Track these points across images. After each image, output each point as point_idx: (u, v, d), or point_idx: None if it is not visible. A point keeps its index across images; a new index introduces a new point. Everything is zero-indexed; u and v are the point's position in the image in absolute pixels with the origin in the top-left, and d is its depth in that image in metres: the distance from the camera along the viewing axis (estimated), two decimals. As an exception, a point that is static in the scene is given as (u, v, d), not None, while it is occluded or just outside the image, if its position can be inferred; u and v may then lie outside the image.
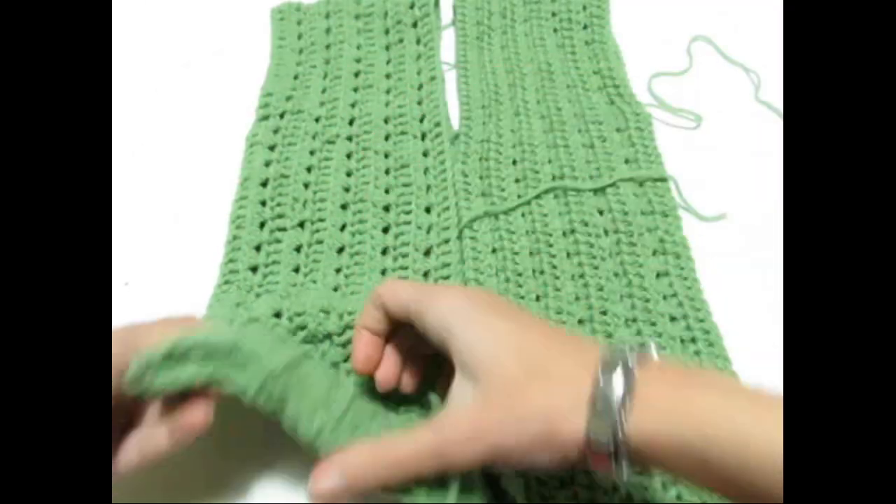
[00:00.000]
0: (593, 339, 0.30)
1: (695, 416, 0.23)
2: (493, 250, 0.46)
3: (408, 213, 0.49)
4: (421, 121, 0.55)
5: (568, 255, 0.46)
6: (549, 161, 0.52)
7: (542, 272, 0.45)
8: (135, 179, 0.51)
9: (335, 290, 0.44)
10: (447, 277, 0.44)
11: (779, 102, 0.56)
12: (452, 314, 0.28)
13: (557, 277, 0.45)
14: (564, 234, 0.47)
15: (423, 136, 0.54)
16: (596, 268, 0.45)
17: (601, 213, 0.48)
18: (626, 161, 0.51)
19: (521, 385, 0.25)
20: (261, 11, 0.63)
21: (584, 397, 0.24)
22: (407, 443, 0.26)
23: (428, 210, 0.49)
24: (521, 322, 0.28)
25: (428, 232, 0.47)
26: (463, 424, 0.25)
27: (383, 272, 0.45)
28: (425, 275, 0.45)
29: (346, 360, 0.38)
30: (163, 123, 0.56)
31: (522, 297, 0.44)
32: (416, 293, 0.30)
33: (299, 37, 0.61)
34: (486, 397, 0.25)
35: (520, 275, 0.45)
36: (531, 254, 0.46)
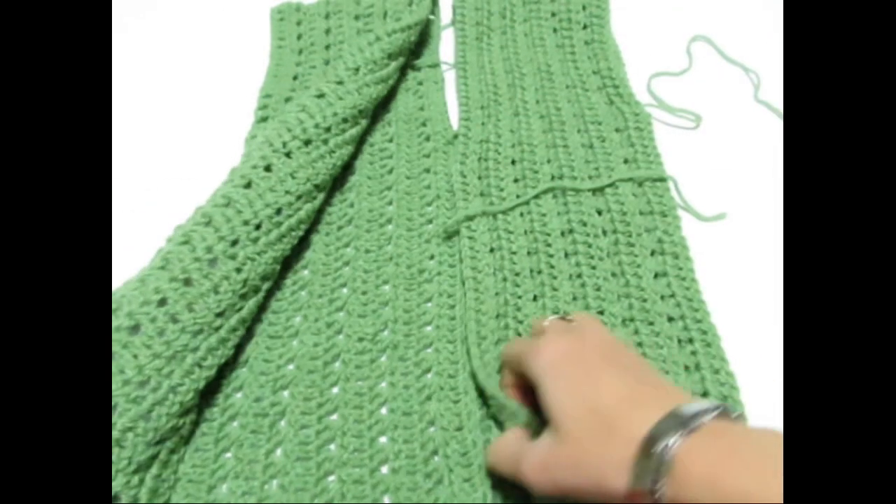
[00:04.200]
0: (677, 389, 0.32)
1: (725, 493, 0.25)
2: (491, 250, 0.46)
3: None
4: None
5: (566, 254, 0.46)
6: (548, 161, 0.51)
7: (539, 272, 0.45)
8: (135, 180, 0.51)
9: None
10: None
11: (778, 102, 0.56)
12: (544, 371, 0.33)
13: (555, 277, 0.45)
14: (563, 233, 0.47)
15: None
16: (594, 268, 0.45)
17: (600, 213, 0.48)
18: (626, 161, 0.51)
19: (585, 441, 0.29)
20: (261, 11, 0.63)
21: (633, 458, 0.27)
22: (504, 444, 0.35)
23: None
24: (604, 378, 0.31)
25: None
26: (538, 458, 0.31)
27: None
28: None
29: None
30: (163, 124, 0.56)
31: (520, 297, 0.44)
32: (524, 347, 0.36)
33: (299, 37, 0.61)
34: (559, 444, 0.30)
35: (517, 274, 0.45)
36: (529, 253, 0.46)
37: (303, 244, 0.47)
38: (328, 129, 0.46)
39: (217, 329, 0.38)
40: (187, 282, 0.37)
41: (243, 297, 0.39)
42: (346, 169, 0.51)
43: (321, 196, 0.46)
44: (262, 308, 0.43)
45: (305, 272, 0.45)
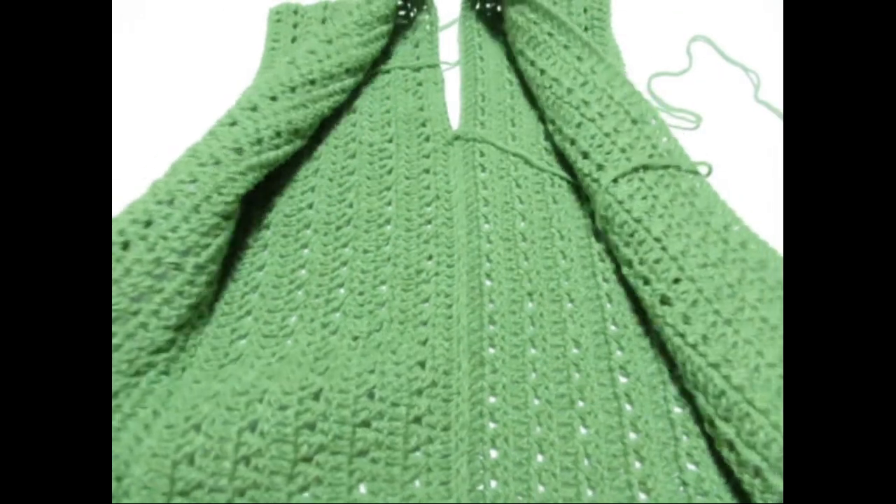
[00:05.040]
0: None
1: None
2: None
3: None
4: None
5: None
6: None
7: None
8: (134, 179, 0.51)
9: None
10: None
11: (778, 102, 0.56)
12: None
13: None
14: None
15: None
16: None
17: (622, 202, 0.48)
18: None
19: None
20: (261, 11, 0.63)
21: None
22: None
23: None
24: None
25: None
26: None
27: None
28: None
29: None
30: (162, 124, 0.55)
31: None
32: None
33: (293, 39, 0.61)
34: None
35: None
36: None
37: (301, 243, 0.47)
38: (313, 83, 0.49)
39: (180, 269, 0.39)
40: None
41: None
42: (345, 169, 0.51)
43: (298, 143, 0.48)
44: (258, 307, 0.43)
45: (303, 272, 0.45)
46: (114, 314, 0.36)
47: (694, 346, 0.36)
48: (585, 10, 0.63)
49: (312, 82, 0.50)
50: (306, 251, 0.46)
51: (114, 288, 0.36)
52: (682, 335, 0.37)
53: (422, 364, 0.39)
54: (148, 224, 0.39)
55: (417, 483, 0.35)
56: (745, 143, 0.53)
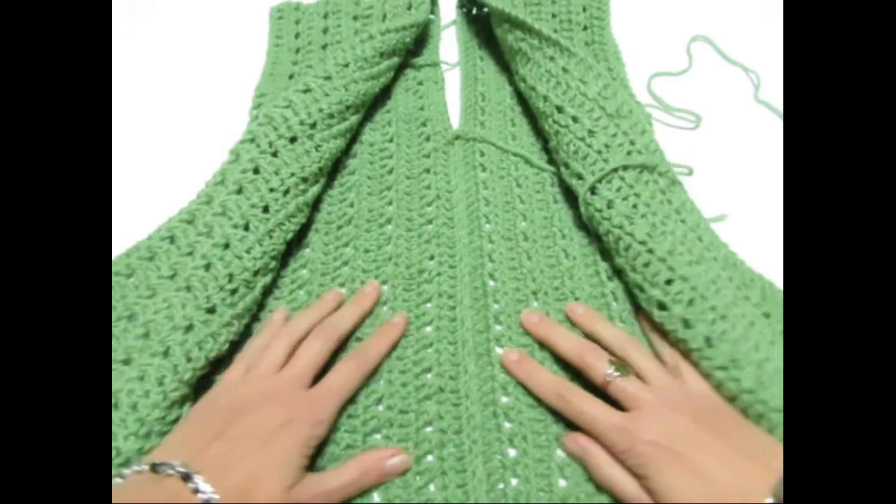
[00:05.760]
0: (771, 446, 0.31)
1: None
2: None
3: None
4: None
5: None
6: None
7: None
8: (134, 179, 0.51)
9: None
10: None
11: (778, 102, 0.56)
12: (652, 457, 0.32)
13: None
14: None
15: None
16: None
17: (599, 210, 0.48)
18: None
19: None
20: (261, 10, 0.63)
21: None
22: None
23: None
24: (708, 451, 0.31)
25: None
26: None
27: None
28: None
29: None
30: (161, 123, 0.55)
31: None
32: (619, 423, 0.34)
33: (297, 36, 0.61)
34: None
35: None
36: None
37: (302, 243, 0.47)
38: (313, 125, 0.46)
39: (206, 323, 0.38)
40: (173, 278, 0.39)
41: (233, 292, 0.39)
42: (346, 169, 0.51)
43: (313, 189, 0.46)
44: (259, 306, 0.43)
45: (304, 271, 0.45)
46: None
47: (699, 351, 0.37)
48: (584, 9, 0.63)
49: (331, 116, 0.48)
50: (307, 250, 0.46)
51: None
52: (684, 341, 0.37)
53: (427, 370, 0.40)
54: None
55: (432, 487, 0.36)
56: (745, 143, 0.53)
